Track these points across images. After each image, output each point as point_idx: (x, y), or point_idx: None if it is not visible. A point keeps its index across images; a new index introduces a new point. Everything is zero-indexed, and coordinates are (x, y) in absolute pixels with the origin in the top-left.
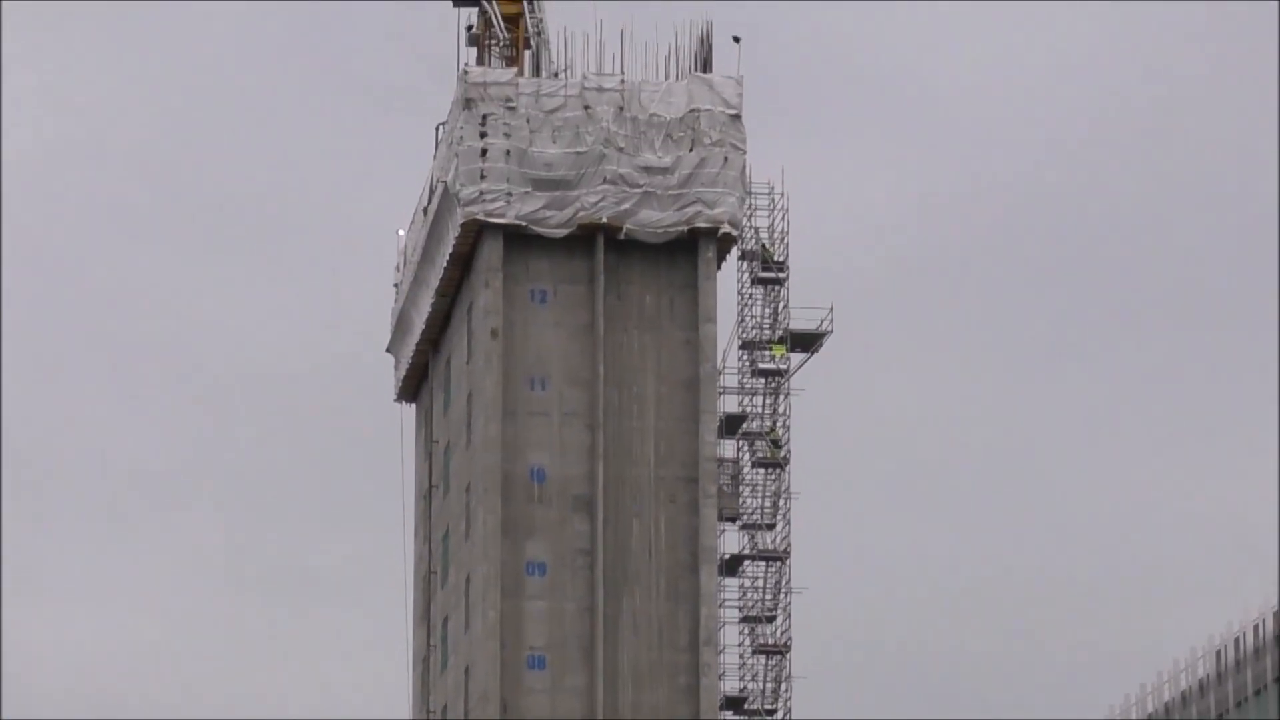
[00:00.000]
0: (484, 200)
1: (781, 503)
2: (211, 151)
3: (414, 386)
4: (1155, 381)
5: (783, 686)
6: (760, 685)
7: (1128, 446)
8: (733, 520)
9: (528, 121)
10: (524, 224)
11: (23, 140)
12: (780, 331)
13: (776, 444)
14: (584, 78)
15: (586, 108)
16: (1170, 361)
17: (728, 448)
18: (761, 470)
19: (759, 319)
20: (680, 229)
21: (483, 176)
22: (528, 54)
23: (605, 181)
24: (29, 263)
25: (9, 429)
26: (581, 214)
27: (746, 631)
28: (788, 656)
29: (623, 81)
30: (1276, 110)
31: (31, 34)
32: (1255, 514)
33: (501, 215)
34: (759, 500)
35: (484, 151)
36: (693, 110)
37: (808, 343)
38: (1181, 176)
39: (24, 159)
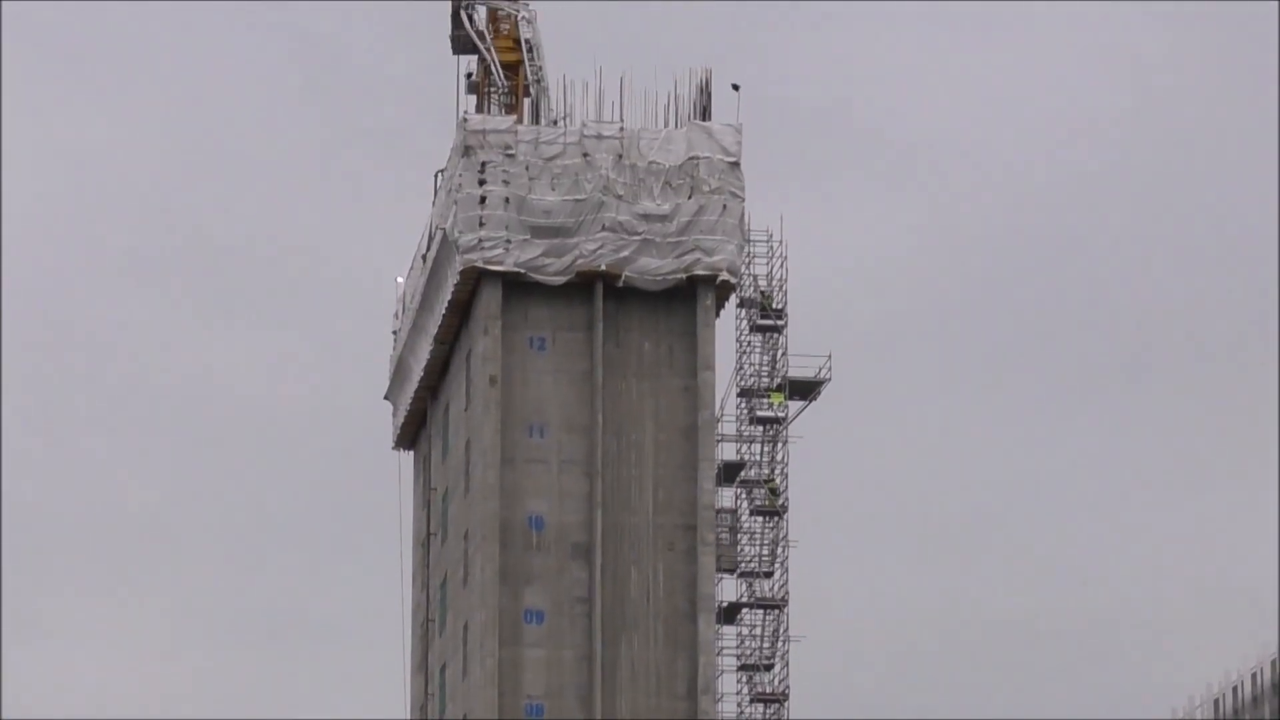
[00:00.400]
0: (483, 247)
1: (779, 550)
2: (210, 197)
3: (412, 434)
4: (1154, 430)
5: None
6: None
7: (1126, 494)
8: (730, 572)
9: (527, 169)
10: (523, 271)
11: (23, 189)
12: (779, 379)
13: (775, 492)
14: (583, 125)
15: (585, 155)
16: (1170, 411)
17: (726, 495)
18: (760, 518)
19: (757, 366)
20: (679, 276)
21: (482, 224)
22: (527, 101)
23: (604, 229)
24: (29, 310)
25: (8, 475)
26: (580, 261)
27: (745, 680)
28: (786, 705)
29: (622, 129)
30: (1276, 159)
31: (32, 84)
32: (1254, 562)
33: (500, 262)
34: (757, 548)
35: (483, 199)
36: (692, 158)
37: (806, 390)
38: (1182, 226)
39: (24, 208)
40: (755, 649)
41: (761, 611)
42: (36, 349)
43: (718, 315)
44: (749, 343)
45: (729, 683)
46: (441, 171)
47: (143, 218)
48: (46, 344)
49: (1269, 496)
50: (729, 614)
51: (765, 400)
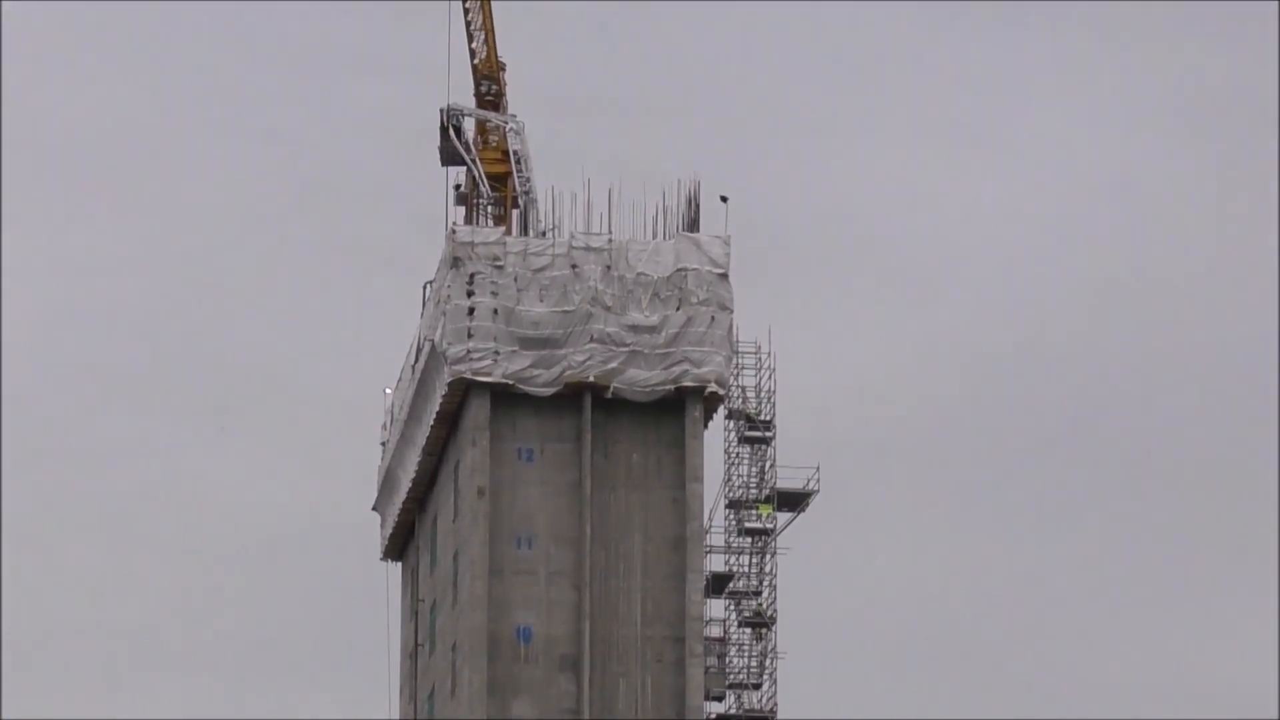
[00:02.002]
0: (471, 359)
1: (768, 662)
2: (200, 309)
3: (400, 545)
4: (1148, 545)
5: None
6: None
7: (1120, 611)
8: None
9: (515, 280)
10: (511, 382)
11: (18, 303)
12: (767, 490)
13: (760, 614)
14: (571, 237)
15: (574, 266)
16: (1162, 526)
17: (714, 607)
18: (748, 630)
19: (746, 478)
20: (667, 388)
21: (470, 335)
22: (515, 212)
23: (592, 340)
24: (21, 423)
25: (5, 589)
26: (569, 373)
27: None
28: None
29: (610, 240)
30: (1276, 285)
31: (30, 199)
32: (1253, 678)
33: (489, 374)
34: (745, 660)
35: (471, 310)
36: (680, 269)
37: (794, 502)
38: (1176, 339)
39: (19, 321)
40: None
41: None
42: (28, 461)
43: (706, 426)
44: (737, 454)
45: None
46: (430, 283)
47: (133, 329)
48: (38, 456)
49: (1269, 608)
50: None
51: (754, 512)
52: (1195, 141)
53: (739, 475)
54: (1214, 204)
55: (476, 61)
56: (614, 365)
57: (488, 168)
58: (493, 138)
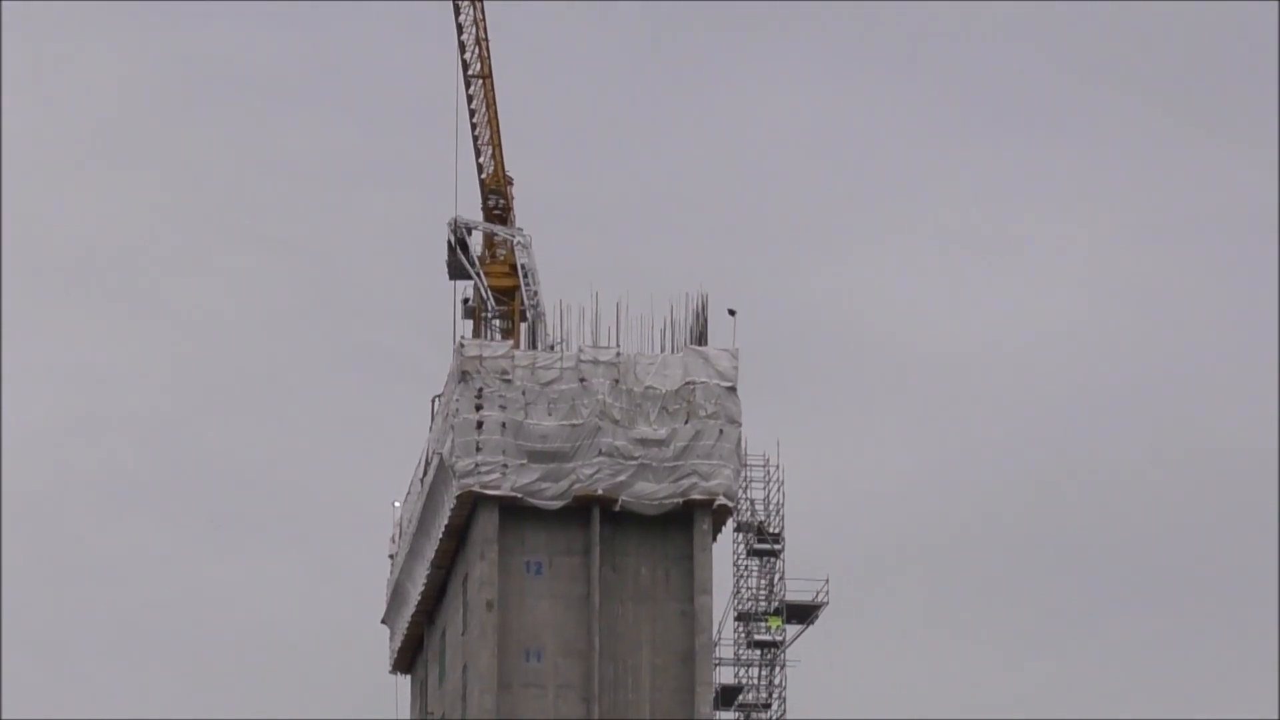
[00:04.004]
0: (479, 472)
1: None
2: (208, 421)
3: (409, 658)
4: (1163, 661)
5: None
6: None
7: None
8: None
9: (523, 394)
10: (519, 496)
11: (24, 412)
12: (776, 603)
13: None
14: (580, 350)
15: (582, 380)
16: (1172, 642)
17: None
18: None
19: (755, 590)
20: (676, 501)
21: (478, 449)
22: (524, 326)
23: (601, 454)
24: (27, 532)
25: (10, 697)
26: (577, 486)
27: None
28: None
29: (618, 354)
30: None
31: (40, 306)
32: None
33: (497, 487)
34: None
35: (479, 424)
36: (688, 383)
37: (804, 614)
38: (1193, 451)
39: (25, 430)
40: None
41: None
42: (35, 571)
43: (715, 539)
44: (746, 567)
45: None
46: (438, 397)
47: (140, 440)
48: (45, 566)
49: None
50: None
51: (763, 624)
52: (1211, 251)
53: (748, 588)
54: (1230, 313)
55: (484, 176)
56: (622, 478)
57: (496, 281)
58: (500, 251)
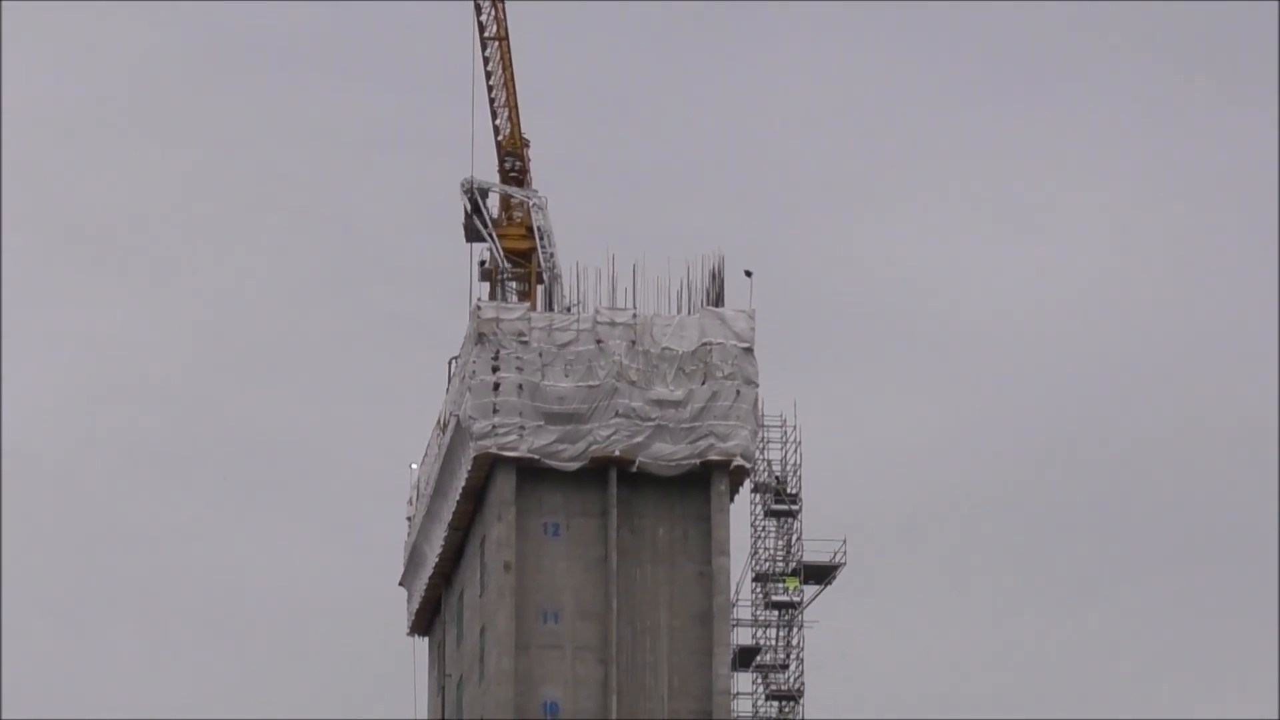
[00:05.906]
0: (496, 434)
1: None
2: (225, 385)
3: (427, 620)
4: (1169, 624)
5: None
6: None
7: (1147, 685)
8: None
9: (540, 355)
10: (537, 457)
11: (43, 381)
12: (793, 564)
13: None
14: (596, 312)
15: (599, 342)
16: (1198, 596)
17: (742, 681)
18: (775, 703)
19: (772, 551)
20: (693, 462)
21: (495, 410)
22: (540, 288)
23: (618, 415)
24: (47, 504)
25: (34, 672)
26: (594, 447)
27: None
28: None
29: (635, 316)
30: None
31: (64, 275)
32: None
33: (514, 449)
34: None
35: (496, 386)
36: (705, 344)
37: (821, 575)
38: (1213, 418)
39: (43, 400)
40: None
41: None
42: (56, 537)
43: (732, 500)
44: (764, 528)
45: None
46: (455, 359)
47: (158, 404)
48: (66, 532)
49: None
50: None
51: (780, 585)
52: (1238, 216)
53: (765, 549)
54: (1256, 276)
55: (500, 138)
56: (639, 440)
57: (512, 244)
58: (517, 214)
